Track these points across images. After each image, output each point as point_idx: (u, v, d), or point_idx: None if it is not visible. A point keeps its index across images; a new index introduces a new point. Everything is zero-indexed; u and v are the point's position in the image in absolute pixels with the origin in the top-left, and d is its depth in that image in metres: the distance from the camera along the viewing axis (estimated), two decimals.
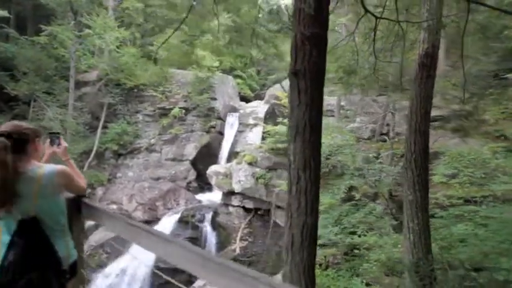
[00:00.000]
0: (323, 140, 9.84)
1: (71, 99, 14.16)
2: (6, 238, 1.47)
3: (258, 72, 23.32)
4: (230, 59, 17.76)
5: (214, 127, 16.08)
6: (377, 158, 8.02)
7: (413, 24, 4.11)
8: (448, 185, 6.07)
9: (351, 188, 7.59)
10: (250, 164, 11.30)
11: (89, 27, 14.43)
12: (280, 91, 14.20)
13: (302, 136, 2.64)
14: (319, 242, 6.06)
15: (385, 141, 9.86)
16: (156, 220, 12.34)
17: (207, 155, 15.55)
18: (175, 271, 10.22)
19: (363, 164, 7.36)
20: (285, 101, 11.94)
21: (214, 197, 13.65)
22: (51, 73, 13.80)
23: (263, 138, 14.31)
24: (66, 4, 13.81)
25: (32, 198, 1.47)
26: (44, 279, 1.41)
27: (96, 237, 11.92)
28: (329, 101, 12.49)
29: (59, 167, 1.59)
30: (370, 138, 10.22)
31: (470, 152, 6.02)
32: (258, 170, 11.10)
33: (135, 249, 10.51)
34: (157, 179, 14.98)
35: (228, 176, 12.12)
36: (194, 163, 15.46)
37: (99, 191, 14.26)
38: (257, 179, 10.95)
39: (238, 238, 10.80)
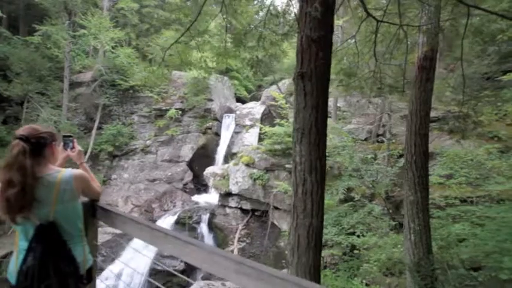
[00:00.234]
0: None
1: (65, 100, 13.98)
2: (23, 244, 1.45)
3: (254, 74, 23.36)
4: (236, 62, 17.75)
5: (210, 128, 16.04)
6: (374, 159, 8.10)
7: (412, 28, 4.17)
8: (445, 186, 6.17)
9: (349, 189, 7.65)
10: (247, 165, 11.29)
11: (83, 27, 14.28)
12: (277, 92, 14.25)
13: (308, 138, 2.66)
14: None
15: (381, 142, 9.97)
16: (152, 222, 12.23)
17: (203, 156, 15.51)
18: (172, 275, 10.17)
19: (361, 165, 7.42)
20: (282, 102, 11.99)
21: (211, 198, 13.59)
22: (45, 73, 13.59)
23: (260, 139, 14.34)
24: (60, 4, 13.63)
25: (50, 204, 1.44)
26: (63, 285, 1.39)
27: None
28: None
29: (77, 171, 1.58)
30: (367, 139, 10.31)
31: (467, 153, 6.13)
32: (255, 171, 11.09)
33: (133, 251, 10.41)
34: (153, 180, 14.87)
35: (225, 177, 12.08)
36: (190, 164, 15.40)
37: None
38: (254, 180, 10.93)
39: (236, 239, 10.78)
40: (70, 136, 1.81)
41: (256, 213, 11.97)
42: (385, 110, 9.79)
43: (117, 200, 13.79)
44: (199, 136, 15.84)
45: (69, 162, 1.77)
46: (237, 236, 11.04)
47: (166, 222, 11.62)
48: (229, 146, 15.68)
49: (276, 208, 10.73)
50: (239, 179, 11.45)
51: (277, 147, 10.78)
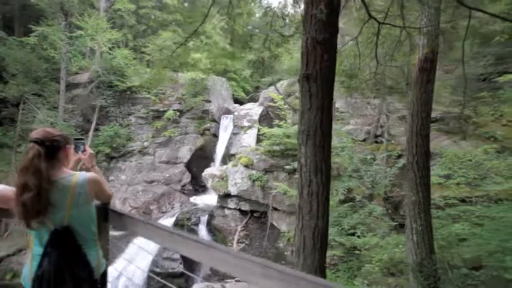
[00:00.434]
0: None
1: (61, 102, 13.87)
2: (38, 249, 1.43)
3: (252, 75, 23.39)
4: (234, 63, 17.77)
5: (208, 129, 16.02)
6: (374, 159, 8.15)
7: (412, 30, 4.21)
8: (444, 186, 6.22)
9: (349, 190, 7.68)
10: (246, 166, 11.28)
11: (80, 28, 14.19)
12: (275, 93, 14.26)
13: (313, 140, 2.67)
14: None
15: (380, 142, 10.03)
16: None
17: (201, 158, 15.48)
18: (171, 276, 10.12)
19: (360, 166, 7.45)
20: (280, 103, 12.00)
21: (209, 199, 13.56)
22: (41, 75, 13.48)
23: (258, 141, 14.34)
24: (56, 5, 13.53)
25: (65, 208, 1.43)
26: None
27: None
28: None
29: (90, 174, 1.56)
30: (365, 140, 10.37)
31: (466, 154, 6.19)
32: (254, 172, 11.08)
33: (132, 253, 10.34)
34: (151, 182, 14.79)
35: (224, 178, 12.06)
36: (188, 166, 15.36)
37: None
38: (253, 181, 10.93)
39: (235, 241, 10.76)
40: (81, 139, 1.79)
41: (255, 215, 11.96)
42: (383, 110, 9.85)
43: (115, 202, 13.69)
44: (197, 137, 15.81)
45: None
46: (236, 237, 11.02)
47: (165, 224, 11.55)
48: (228, 147, 15.67)
49: (275, 209, 10.74)
50: (238, 180, 11.43)
51: (276, 148, 10.78)
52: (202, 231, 11.56)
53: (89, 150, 1.79)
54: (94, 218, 1.55)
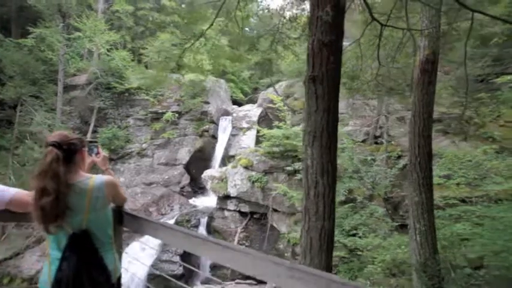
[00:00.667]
0: None
1: (59, 104, 13.80)
2: (55, 253, 1.42)
3: (250, 76, 23.43)
4: (233, 64, 17.81)
5: (207, 131, 16.00)
6: (374, 160, 8.19)
7: (413, 32, 4.24)
8: (443, 186, 6.26)
9: (350, 191, 7.70)
10: (246, 167, 11.27)
11: (78, 29, 14.14)
12: (274, 95, 14.29)
13: (320, 141, 2.68)
14: None
15: (378, 143, 10.08)
16: None
17: (200, 159, 15.45)
18: (169, 279, 10.06)
19: (361, 167, 7.48)
20: (280, 104, 12.03)
21: (209, 201, 13.53)
22: (39, 76, 13.40)
23: (257, 142, 14.35)
24: (54, 6, 13.47)
25: (83, 212, 1.41)
26: None
27: None
28: None
29: (107, 177, 1.55)
30: (364, 141, 10.42)
31: (466, 154, 6.24)
32: (254, 173, 11.07)
33: (131, 256, 10.27)
34: (150, 184, 14.73)
35: (223, 180, 12.04)
36: (187, 167, 15.32)
37: None
38: (253, 182, 10.92)
39: (235, 242, 10.73)
40: (95, 141, 1.78)
41: (254, 216, 11.95)
42: (382, 112, 9.91)
43: None
44: (196, 139, 15.78)
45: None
46: (236, 239, 11.00)
47: None
48: (227, 149, 15.66)
49: (275, 210, 10.73)
50: (237, 182, 11.42)
51: (275, 149, 10.79)
52: (202, 233, 11.52)
53: (103, 153, 1.78)
54: (111, 221, 1.54)
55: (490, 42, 5.75)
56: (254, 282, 9.83)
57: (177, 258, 10.55)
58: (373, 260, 5.05)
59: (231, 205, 12.00)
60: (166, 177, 14.97)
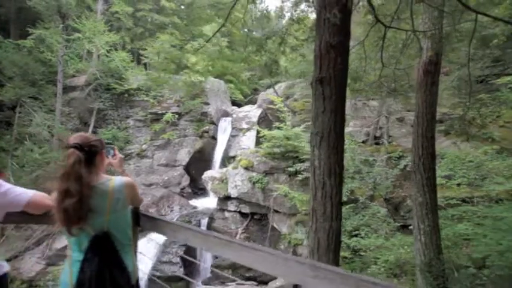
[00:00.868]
0: None
1: (58, 105, 13.74)
2: (77, 255, 1.42)
3: (250, 77, 23.45)
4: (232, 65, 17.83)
5: (207, 132, 16.00)
6: (375, 161, 8.23)
7: (417, 33, 4.27)
8: (445, 187, 6.30)
9: (351, 191, 7.72)
10: (246, 168, 11.27)
11: (77, 30, 14.11)
12: (273, 95, 14.32)
13: (327, 142, 2.69)
14: None
15: (378, 144, 10.13)
16: None
17: (200, 160, 15.43)
18: (171, 280, 10.04)
19: (362, 167, 7.51)
20: (280, 105, 12.05)
21: (209, 202, 13.51)
22: (38, 78, 13.35)
23: (257, 143, 14.36)
24: (53, 7, 13.44)
25: (104, 213, 1.42)
26: None
27: None
28: None
29: (127, 179, 1.55)
30: (365, 142, 10.46)
31: (468, 155, 6.28)
32: (254, 174, 11.08)
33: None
34: (150, 185, 14.69)
35: (223, 181, 12.04)
36: (187, 168, 15.30)
37: None
38: (254, 183, 10.92)
39: None
40: (111, 143, 1.79)
41: (255, 217, 11.95)
42: (383, 112, 9.96)
43: None
44: (196, 140, 15.77)
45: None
46: (237, 239, 10.99)
47: None
48: (226, 150, 15.66)
49: (276, 211, 10.74)
50: (238, 183, 11.42)
51: (276, 150, 10.80)
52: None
53: (119, 155, 1.78)
54: (130, 223, 1.55)
55: (490, 43, 5.80)
56: (255, 283, 9.83)
57: (177, 259, 10.53)
58: (375, 260, 5.06)
59: (231, 206, 12.00)
60: (166, 178, 14.94)
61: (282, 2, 5.25)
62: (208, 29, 16.62)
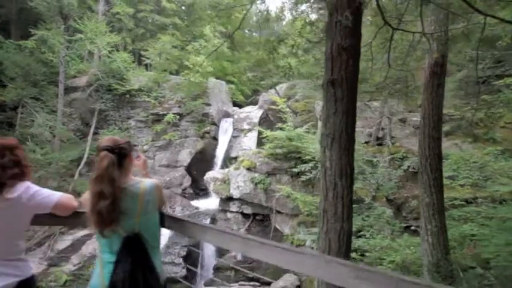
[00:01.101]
0: None
1: (60, 105, 13.73)
2: (108, 256, 1.43)
3: (250, 78, 23.47)
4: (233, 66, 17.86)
5: (208, 132, 16.01)
6: (379, 161, 8.25)
7: (421, 35, 4.30)
8: (449, 187, 6.32)
9: (354, 192, 7.74)
10: (248, 169, 11.28)
11: (78, 31, 14.12)
12: (274, 96, 14.33)
13: (338, 143, 2.71)
14: None
15: (380, 145, 10.15)
16: None
17: (201, 161, 15.44)
18: (172, 281, 10.02)
19: (366, 168, 7.53)
20: (283, 106, 12.07)
21: (210, 203, 13.51)
22: (40, 78, 13.35)
23: (259, 143, 14.37)
24: (55, 8, 13.45)
25: (135, 215, 1.43)
26: None
27: (89, 248, 11.54)
28: None
29: (155, 181, 1.57)
30: (367, 143, 10.48)
31: (473, 156, 6.31)
32: (256, 175, 11.09)
33: None
34: None
35: (225, 181, 12.04)
36: (189, 169, 15.31)
37: None
38: (256, 184, 10.93)
39: None
40: (135, 145, 1.80)
41: (257, 218, 11.96)
42: (385, 113, 9.99)
43: None
44: (197, 140, 15.78)
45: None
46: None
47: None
48: (228, 150, 15.68)
49: (279, 212, 10.75)
50: (240, 183, 11.43)
51: (278, 151, 10.82)
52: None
53: (143, 157, 1.79)
54: (158, 224, 1.56)
55: (494, 44, 5.84)
56: (258, 283, 9.83)
57: (179, 260, 10.53)
58: (381, 261, 5.08)
59: (233, 207, 12.00)
60: (168, 179, 14.93)
61: (282, 2, 5.27)
62: (208, 30, 16.63)
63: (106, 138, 1.51)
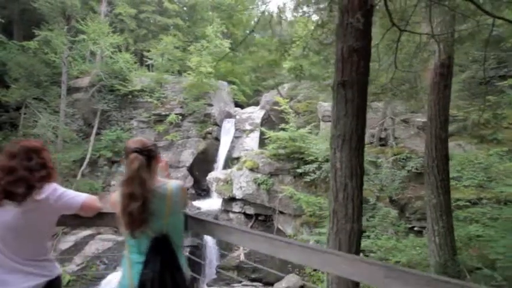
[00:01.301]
0: (323, 144, 9.78)
1: (62, 106, 13.76)
2: (136, 257, 1.45)
3: (252, 79, 23.51)
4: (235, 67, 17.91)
5: (210, 133, 16.03)
6: (382, 162, 8.26)
7: (427, 36, 4.32)
8: (454, 188, 6.32)
9: None
10: (251, 169, 11.30)
11: (82, 32, 14.16)
12: (278, 97, 14.35)
13: (349, 144, 2.72)
14: None
15: (383, 145, 10.16)
16: None
17: (203, 161, 15.46)
18: None
19: (370, 168, 7.54)
20: (285, 106, 12.08)
21: (213, 203, 13.52)
22: (43, 79, 13.38)
23: (261, 144, 14.39)
24: (58, 9, 13.49)
25: (163, 216, 1.45)
26: None
27: (92, 248, 11.55)
28: (327, 107, 12.78)
29: (180, 182, 1.59)
30: (370, 143, 10.49)
31: (478, 156, 6.32)
32: (259, 175, 11.10)
33: None
34: None
35: (228, 182, 12.06)
36: (191, 170, 15.33)
37: None
38: (259, 184, 10.95)
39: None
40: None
41: (259, 218, 11.97)
42: (387, 114, 10.00)
43: None
44: (199, 141, 15.80)
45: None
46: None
47: None
48: (230, 151, 15.69)
49: (281, 212, 10.77)
50: (243, 184, 11.44)
51: (281, 151, 10.84)
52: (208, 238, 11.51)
53: (164, 159, 1.81)
54: (183, 225, 1.58)
55: (498, 45, 5.86)
56: (261, 284, 9.84)
57: None
58: (386, 261, 5.08)
59: (236, 207, 12.02)
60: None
61: (283, 3, 5.30)
62: (210, 31, 16.66)
63: (134, 140, 1.53)
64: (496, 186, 5.86)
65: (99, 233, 12.35)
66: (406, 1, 3.37)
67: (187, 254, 10.51)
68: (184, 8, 22.70)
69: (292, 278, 8.89)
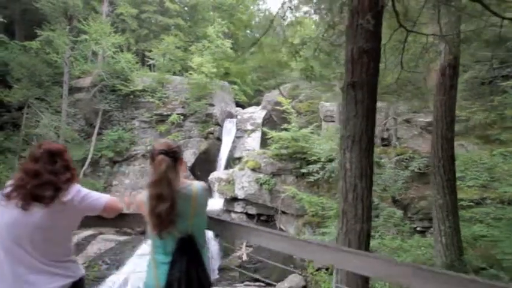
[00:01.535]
0: (327, 145, 9.77)
1: (64, 106, 13.76)
2: (161, 257, 1.46)
3: (253, 79, 23.51)
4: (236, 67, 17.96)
5: (212, 133, 16.04)
6: (385, 162, 8.27)
7: (433, 37, 4.33)
8: (458, 188, 6.33)
9: None
10: (253, 169, 11.31)
11: (84, 32, 14.16)
12: (280, 97, 14.35)
13: (359, 145, 2.74)
14: None
15: (386, 145, 10.17)
16: None
17: (205, 161, 15.47)
18: None
19: (374, 168, 7.53)
20: (287, 106, 12.09)
21: (214, 203, 13.52)
22: (45, 79, 13.37)
23: (263, 144, 14.40)
24: (60, 9, 13.49)
25: (189, 217, 1.46)
26: None
27: (94, 248, 11.55)
28: (329, 107, 12.80)
29: (204, 184, 1.60)
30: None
31: (482, 157, 6.33)
32: (261, 175, 11.12)
33: (139, 259, 10.24)
34: None
35: (230, 182, 12.07)
36: (192, 169, 15.33)
37: None
38: (261, 184, 10.96)
39: (243, 245, 10.75)
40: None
41: (261, 218, 11.97)
42: (390, 114, 10.01)
43: None
44: (201, 141, 15.81)
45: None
46: (243, 241, 11.00)
47: None
48: (231, 151, 15.71)
49: (284, 212, 10.78)
50: (245, 184, 11.46)
51: (283, 151, 10.85)
52: (209, 235, 11.52)
53: (184, 160, 1.83)
54: (206, 226, 1.60)
55: (502, 45, 5.86)
56: (263, 284, 9.85)
57: None
58: None
59: (238, 207, 12.03)
60: None
61: (283, 4, 5.27)
62: (211, 31, 16.67)
63: (160, 143, 1.55)
64: (500, 187, 5.87)
65: (100, 233, 12.34)
66: (413, 2, 3.39)
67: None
68: (186, 8, 22.70)
69: (294, 278, 8.90)
